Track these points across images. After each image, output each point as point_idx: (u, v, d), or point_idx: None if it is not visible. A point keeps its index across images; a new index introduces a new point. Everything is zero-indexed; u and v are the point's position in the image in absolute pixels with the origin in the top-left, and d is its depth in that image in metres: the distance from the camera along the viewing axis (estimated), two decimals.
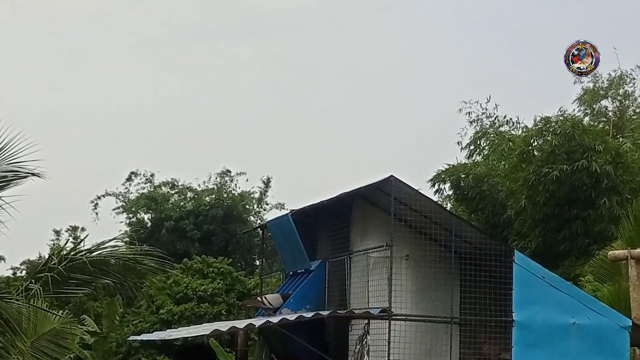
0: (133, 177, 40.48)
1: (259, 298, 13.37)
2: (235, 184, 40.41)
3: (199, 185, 40.50)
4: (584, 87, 30.29)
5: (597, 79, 30.28)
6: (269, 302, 13.26)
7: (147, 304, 30.72)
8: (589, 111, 30.13)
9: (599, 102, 30.28)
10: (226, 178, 40.29)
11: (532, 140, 25.11)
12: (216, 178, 40.46)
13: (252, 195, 40.65)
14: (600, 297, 15.67)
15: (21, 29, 63.51)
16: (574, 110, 29.73)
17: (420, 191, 13.01)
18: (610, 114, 29.94)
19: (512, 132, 29.11)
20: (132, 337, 18.74)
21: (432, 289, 12.26)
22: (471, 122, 30.28)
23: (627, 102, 30.28)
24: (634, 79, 30.24)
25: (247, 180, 40.64)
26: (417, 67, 64.31)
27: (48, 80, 64.26)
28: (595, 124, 28.33)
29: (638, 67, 30.09)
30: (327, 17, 66.99)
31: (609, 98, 30.28)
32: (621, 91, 30.32)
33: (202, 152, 55.21)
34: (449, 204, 29.90)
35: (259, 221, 39.50)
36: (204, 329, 13.54)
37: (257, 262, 40.39)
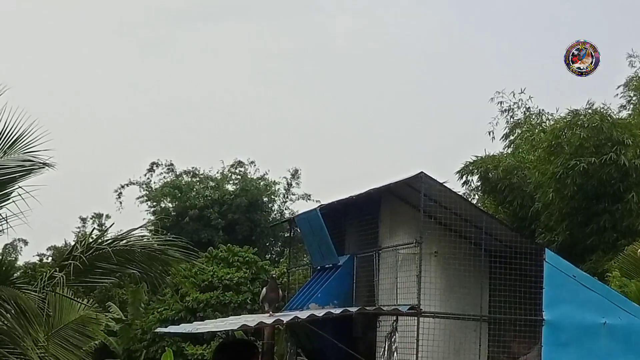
0: (155, 168, 40.64)
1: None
2: (253, 173, 40.45)
3: (218, 172, 40.58)
4: (636, 72, 29.91)
5: None
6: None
7: (172, 292, 30.88)
8: (635, 99, 29.76)
9: None
10: (240, 169, 40.34)
11: (560, 133, 24.90)
12: (230, 168, 40.51)
13: (277, 185, 40.68)
14: (627, 293, 15.54)
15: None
16: (617, 95, 29.44)
17: (449, 185, 12.94)
18: None
19: (545, 124, 28.86)
20: (158, 329, 18.75)
21: (461, 287, 12.18)
22: (502, 112, 30.11)
23: None
24: None
25: (269, 171, 40.65)
26: (448, 56, 64.01)
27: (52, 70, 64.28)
28: (635, 114, 27.98)
29: None
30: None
31: None
32: None
33: (220, 141, 55.26)
34: (476, 196, 29.77)
35: (285, 211, 39.59)
36: (231, 323, 13.52)
37: (278, 250, 40.50)
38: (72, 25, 64.54)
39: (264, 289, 13.23)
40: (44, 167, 11.55)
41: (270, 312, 12.65)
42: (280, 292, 13.70)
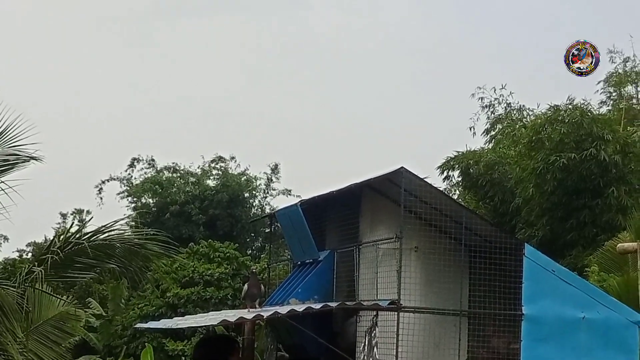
0: (135, 163, 40.55)
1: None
2: (234, 169, 40.43)
3: (198, 168, 40.51)
4: (615, 68, 30.13)
5: (628, 62, 30.10)
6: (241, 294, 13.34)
7: (153, 287, 30.82)
8: (615, 95, 29.98)
9: (625, 87, 30.15)
10: (221, 164, 40.32)
11: (541, 129, 25.02)
12: (210, 164, 40.46)
13: (258, 181, 40.67)
14: (607, 288, 15.63)
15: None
16: (598, 91, 29.65)
17: (430, 180, 12.93)
18: (633, 100, 29.85)
19: (526, 119, 29.06)
20: (138, 325, 18.72)
21: (441, 282, 12.17)
22: (483, 108, 30.26)
23: None
24: None
25: (250, 166, 40.61)
26: (427, 51, 64.08)
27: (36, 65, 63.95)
28: (615, 109, 28.18)
29: None
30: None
31: (638, 84, 30.14)
32: None
33: (201, 137, 55.17)
34: (457, 191, 29.90)
35: (266, 206, 39.59)
36: (211, 318, 13.48)
37: (258, 245, 40.47)
38: (53, 20, 64.16)
39: (245, 285, 13.19)
40: (29, 161, 11.49)
41: (250, 309, 12.62)
42: (262, 287, 13.68)
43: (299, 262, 14.13)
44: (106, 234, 12.47)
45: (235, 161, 40.24)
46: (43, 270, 11.24)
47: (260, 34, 63.20)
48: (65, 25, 63.65)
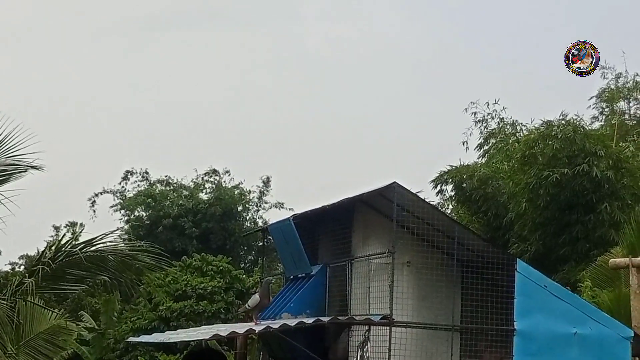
0: (129, 176, 40.53)
1: (246, 305, 13.35)
2: (228, 182, 40.43)
3: (191, 181, 40.52)
4: (608, 83, 30.25)
5: (620, 77, 30.23)
6: (248, 305, 13.25)
7: (145, 300, 30.75)
8: (607, 110, 30.09)
9: (617, 102, 30.26)
10: (215, 177, 40.32)
11: (534, 144, 25.07)
12: (204, 177, 40.47)
13: (251, 195, 40.66)
14: (599, 303, 15.63)
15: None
16: (590, 106, 29.76)
17: (424, 195, 12.99)
18: (625, 116, 29.97)
19: (519, 134, 29.10)
20: (130, 339, 18.69)
21: (434, 296, 12.20)
22: (476, 123, 30.31)
23: None
24: None
25: (244, 180, 40.64)
26: (421, 64, 64.25)
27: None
28: (607, 125, 28.29)
29: None
30: (329, 8, 66.78)
31: (630, 100, 30.28)
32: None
33: (195, 150, 55.15)
34: (450, 206, 29.90)
35: (258, 220, 39.59)
36: (204, 332, 13.47)
37: (251, 258, 40.48)
38: (45, 34, 64.21)
39: (257, 295, 13.09)
40: (26, 171, 11.47)
41: (256, 320, 12.62)
42: (271, 298, 13.67)
43: (292, 276, 14.14)
44: (98, 246, 12.45)
45: (229, 175, 40.36)
46: (34, 282, 11.21)
47: (252, 46, 63.36)
48: (58, 39, 63.75)
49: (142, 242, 15.66)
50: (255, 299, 13.01)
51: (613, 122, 29.05)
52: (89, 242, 12.15)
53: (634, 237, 17.17)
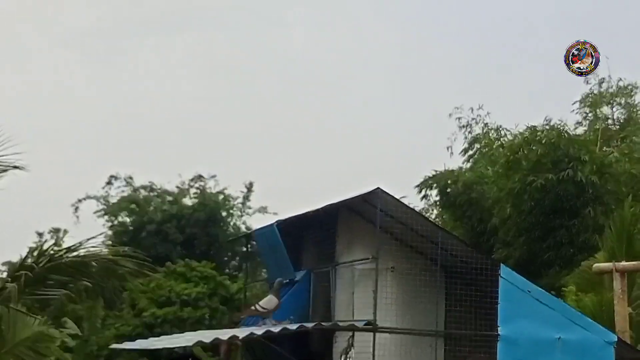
0: (113, 181, 40.35)
1: (252, 307, 13.11)
2: (213, 188, 40.33)
3: (176, 187, 40.40)
4: (591, 88, 30.33)
5: (604, 83, 30.33)
6: (262, 307, 12.97)
7: (129, 307, 30.61)
8: (591, 116, 30.17)
9: (601, 108, 30.35)
10: (200, 182, 40.21)
11: (518, 149, 25.13)
12: (190, 182, 40.35)
13: (235, 200, 40.56)
14: (582, 307, 15.65)
15: None
16: (573, 111, 29.85)
17: (408, 199, 12.98)
18: (609, 121, 30.07)
19: (504, 139, 29.13)
20: (113, 345, 18.56)
21: (418, 302, 12.19)
22: (461, 128, 30.34)
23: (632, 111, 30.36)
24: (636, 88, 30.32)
25: (229, 185, 40.54)
26: (406, 69, 64.24)
27: None
28: (591, 130, 28.38)
29: None
30: (313, 14, 66.75)
31: (613, 105, 30.37)
32: (624, 101, 30.40)
33: (179, 155, 54.92)
34: (435, 211, 29.91)
35: (242, 225, 39.49)
36: (187, 339, 13.40)
37: (235, 264, 40.38)
38: (18, 39, 63.86)
39: (273, 297, 12.76)
40: (6, 170, 11.39)
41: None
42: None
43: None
44: (81, 252, 12.37)
45: (215, 180, 40.25)
46: (16, 287, 11.13)
47: (231, 50, 63.06)
48: (34, 42, 63.43)
49: (126, 248, 15.57)
50: (273, 300, 12.74)
51: (596, 127, 29.13)
52: (71, 249, 12.08)
53: (614, 241, 17.24)
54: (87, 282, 12.61)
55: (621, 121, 30.43)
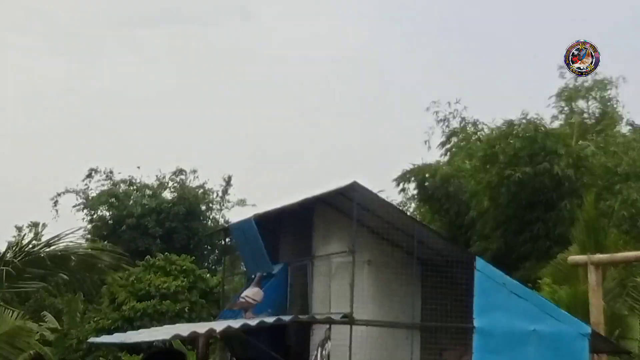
0: (93, 174, 40.25)
1: (242, 299, 13.12)
2: (193, 182, 40.34)
3: (156, 180, 40.35)
4: (566, 83, 30.48)
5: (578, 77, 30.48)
6: (252, 299, 13.02)
7: (109, 300, 30.59)
8: (567, 109, 30.35)
9: (576, 101, 30.55)
10: (181, 177, 40.20)
11: (495, 143, 25.29)
12: (171, 176, 40.32)
13: (214, 194, 40.57)
14: (557, 300, 15.81)
15: None
16: (550, 105, 30.01)
17: (385, 194, 13.07)
18: (585, 114, 30.26)
19: (481, 132, 29.30)
20: (91, 339, 18.57)
21: (394, 295, 12.27)
22: (438, 122, 30.47)
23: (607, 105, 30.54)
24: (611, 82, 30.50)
25: (208, 179, 40.54)
26: (383, 62, 64.40)
27: None
28: (567, 124, 28.56)
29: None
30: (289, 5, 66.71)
31: (589, 99, 30.55)
32: (599, 95, 30.59)
33: (160, 149, 54.88)
34: (413, 204, 30.05)
35: (221, 218, 39.51)
36: (165, 332, 13.44)
37: (214, 257, 40.39)
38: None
39: (258, 289, 12.82)
40: None
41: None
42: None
43: (253, 276, 14.14)
44: (60, 246, 12.39)
45: (196, 174, 40.25)
46: None
47: (204, 44, 63.04)
48: (20, 37, 63.09)
49: (105, 242, 15.67)
50: (260, 292, 12.79)
51: (572, 121, 29.35)
52: (51, 242, 12.10)
53: (584, 234, 17.41)
54: (66, 276, 12.64)
55: (597, 115, 30.64)
